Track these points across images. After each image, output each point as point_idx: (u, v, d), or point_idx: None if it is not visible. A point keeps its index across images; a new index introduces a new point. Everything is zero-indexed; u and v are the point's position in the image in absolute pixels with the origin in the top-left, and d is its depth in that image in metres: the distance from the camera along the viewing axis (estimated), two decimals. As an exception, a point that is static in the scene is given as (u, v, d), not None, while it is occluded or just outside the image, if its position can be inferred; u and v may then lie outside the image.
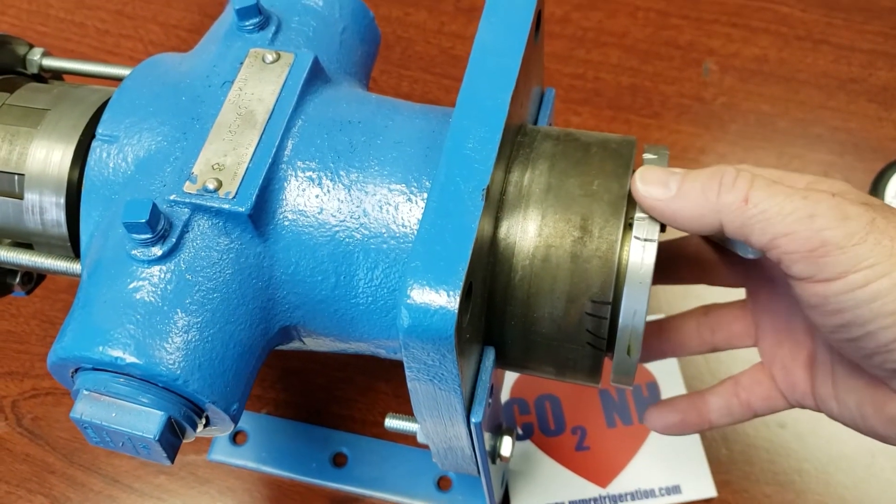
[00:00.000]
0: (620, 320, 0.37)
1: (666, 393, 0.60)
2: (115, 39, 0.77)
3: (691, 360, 0.61)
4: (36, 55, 0.51)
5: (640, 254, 0.37)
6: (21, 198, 0.44)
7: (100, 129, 0.43)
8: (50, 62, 0.51)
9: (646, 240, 0.37)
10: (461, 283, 0.33)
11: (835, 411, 0.41)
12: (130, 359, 0.37)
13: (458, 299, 0.33)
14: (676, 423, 0.46)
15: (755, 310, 0.45)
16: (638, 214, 0.38)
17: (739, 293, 0.47)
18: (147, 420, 0.38)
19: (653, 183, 0.37)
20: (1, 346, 0.63)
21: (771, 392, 0.44)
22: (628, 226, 0.38)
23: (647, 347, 0.47)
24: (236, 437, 0.59)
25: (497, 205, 0.39)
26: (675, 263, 0.47)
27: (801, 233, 0.34)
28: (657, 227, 0.38)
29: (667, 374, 0.60)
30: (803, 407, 0.44)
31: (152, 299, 0.38)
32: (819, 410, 0.43)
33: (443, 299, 0.33)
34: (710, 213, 0.36)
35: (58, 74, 0.53)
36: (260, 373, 0.61)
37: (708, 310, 0.47)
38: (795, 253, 0.35)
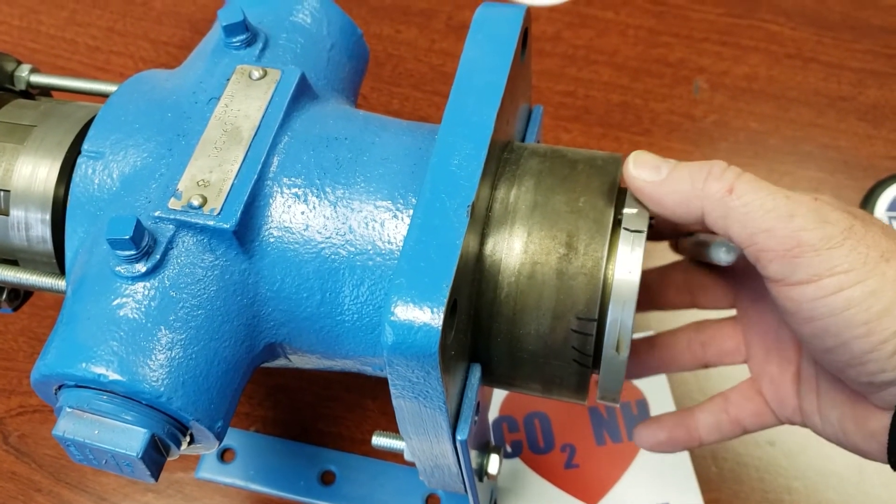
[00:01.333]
0: (609, 314, 0.37)
1: (655, 410, 0.60)
2: (106, 56, 0.77)
3: (680, 377, 0.61)
4: (24, 72, 0.51)
5: (629, 246, 0.38)
6: (7, 214, 0.44)
7: (85, 146, 0.43)
8: (38, 78, 0.51)
9: (635, 231, 0.38)
10: (445, 300, 0.33)
11: (818, 426, 0.41)
12: (113, 376, 0.37)
13: (442, 316, 0.33)
14: (665, 441, 0.46)
15: (745, 327, 0.45)
16: (626, 210, 0.38)
17: (730, 312, 0.47)
18: (130, 438, 0.37)
19: (645, 166, 0.38)
20: (-12, 363, 0.63)
21: (760, 408, 0.44)
22: (617, 222, 0.38)
23: (639, 362, 0.47)
24: (224, 455, 0.58)
25: (483, 221, 0.39)
26: (664, 289, 0.47)
27: (779, 230, 0.34)
28: (646, 218, 0.38)
29: (656, 392, 0.60)
30: (792, 423, 0.43)
31: (136, 316, 0.38)
32: (805, 426, 0.42)
33: (427, 316, 0.33)
34: (695, 200, 0.37)
35: (46, 91, 0.53)
36: (248, 390, 0.61)
37: (700, 326, 0.47)
38: (772, 251, 0.35)
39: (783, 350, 0.43)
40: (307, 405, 0.61)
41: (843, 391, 0.39)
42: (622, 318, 0.37)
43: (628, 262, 0.37)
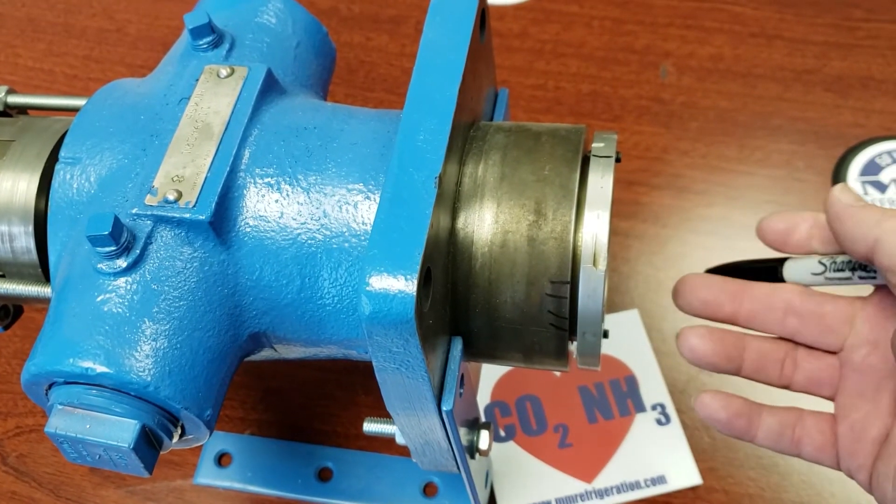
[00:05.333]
0: (584, 225, 0.38)
1: (645, 386, 0.60)
2: (84, 83, 0.79)
3: (668, 351, 0.61)
4: (0, 93, 0.52)
5: (600, 168, 0.40)
6: (-10, 228, 0.45)
7: (62, 153, 0.44)
8: (14, 99, 0.52)
9: (604, 157, 0.40)
10: (418, 267, 0.34)
11: (888, 496, 0.40)
12: (101, 368, 0.37)
13: (415, 282, 0.34)
14: (722, 420, 0.45)
15: (846, 365, 0.44)
16: (595, 144, 0.40)
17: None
18: (121, 429, 0.38)
19: (848, 193, 0.42)
20: (-17, 388, 0.64)
21: (827, 447, 0.43)
22: (585, 160, 0.40)
23: (725, 354, 0.46)
24: (221, 460, 0.59)
25: (453, 197, 0.40)
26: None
27: None
28: (614, 148, 0.40)
29: (645, 369, 0.61)
30: (851, 477, 0.43)
31: (120, 310, 0.39)
32: (870, 491, 0.42)
33: (401, 284, 0.34)
34: (871, 228, 0.39)
35: (23, 110, 0.54)
36: (240, 395, 0.62)
37: (798, 347, 0.46)
38: None
39: (878, 405, 0.42)
40: (300, 406, 0.61)
41: None
42: (597, 230, 0.38)
43: (600, 181, 0.39)
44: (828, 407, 0.45)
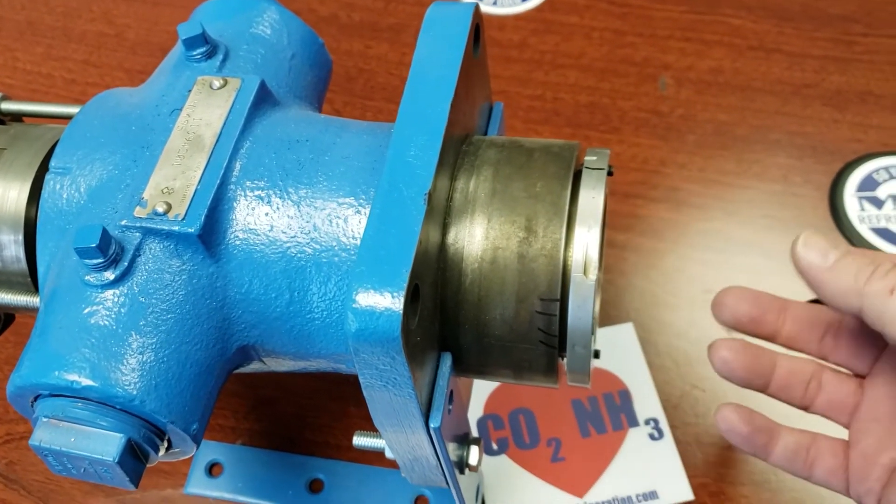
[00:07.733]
0: (575, 236, 0.38)
1: (638, 400, 0.60)
2: (83, 87, 0.79)
3: (662, 365, 0.61)
4: (-7, 100, 0.52)
5: (592, 180, 0.39)
6: (-20, 237, 0.45)
7: (53, 162, 0.43)
8: (8, 106, 0.52)
9: (597, 169, 0.39)
10: (405, 285, 0.34)
11: None
12: (86, 381, 0.37)
13: (402, 300, 0.34)
14: (744, 434, 0.45)
15: (868, 390, 0.44)
16: (587, 157, 0.40)
17: None
18: (106, 443, 0.38)
19: (813, 249, 0.39)
20: (-25, 394, 0.63)
21: (838, 471, 0.43)
22: (578, 174, 0.40)
23: (758, 369, 0.46)
24: (212, 469, 0.59)
25: (444, 212, 0.40)
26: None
27: None
28: (606, 161, 0.40)
29: (639, 383, 0.61)
30: (859, 502, 0.43)
31: (106, 323, 0.38)
32: None
33: (387, 301, 0.34)
34: (854, 296, 0.37)
35: (17, 117, 0.54)
36: (232, 404, 0.61)
37: (824, 369, 0.46)
38: None
39: (893, 432, 0.42)
40: (292, 416, 0.61)
41: None
42: (588, 240, 0.38)
43: (591, 192, 0.39)
44: (841, 434, 0.45)
